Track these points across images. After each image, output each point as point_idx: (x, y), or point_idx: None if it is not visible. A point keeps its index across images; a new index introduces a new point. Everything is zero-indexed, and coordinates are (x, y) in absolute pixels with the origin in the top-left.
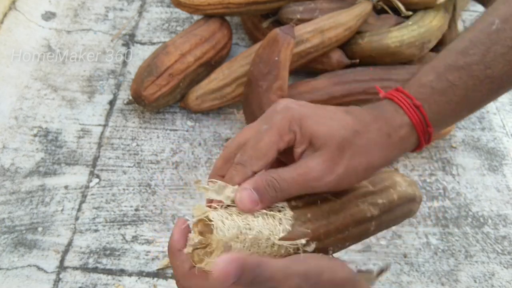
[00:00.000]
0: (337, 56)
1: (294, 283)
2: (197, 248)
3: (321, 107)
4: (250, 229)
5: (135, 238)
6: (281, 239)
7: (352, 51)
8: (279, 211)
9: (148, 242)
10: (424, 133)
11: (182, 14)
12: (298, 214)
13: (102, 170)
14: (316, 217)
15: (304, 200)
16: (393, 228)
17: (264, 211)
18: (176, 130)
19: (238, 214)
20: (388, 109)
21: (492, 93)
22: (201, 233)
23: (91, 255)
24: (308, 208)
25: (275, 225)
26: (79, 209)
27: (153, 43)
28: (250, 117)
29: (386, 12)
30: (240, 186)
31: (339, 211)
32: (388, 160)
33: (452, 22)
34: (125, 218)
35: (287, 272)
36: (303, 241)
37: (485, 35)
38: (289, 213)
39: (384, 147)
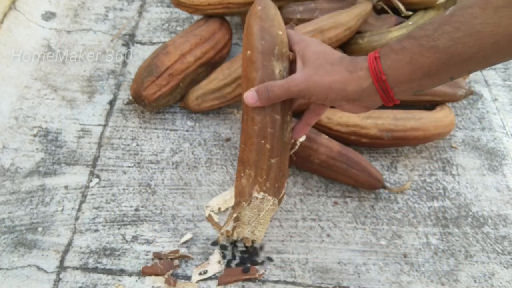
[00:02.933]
0: None
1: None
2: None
3: (323, 46)
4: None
5: (135, 238)
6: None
7: (352, 51)
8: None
9: (148, 242)
10: (378, 80)
11: (182, 14)
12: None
13: (102, 170)
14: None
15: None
16: (393, 228)
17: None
18: (176, 130)
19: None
20: (362, 59)
21: (443, 64)
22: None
23: (91, 255)
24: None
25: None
26: (79, 209)
27: (153, 43)
28: None
29: (386, 12)
30: (248, 90)
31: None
32: (345, 90)
33: None
34: (125, 218)
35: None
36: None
37: (441, 17)
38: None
39: (344, 79)
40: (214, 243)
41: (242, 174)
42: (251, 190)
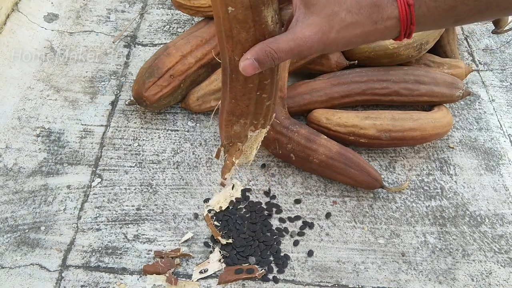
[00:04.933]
0: (336, 57)
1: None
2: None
3: None
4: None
5: (136, 237)
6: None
7: (351, 53)
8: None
9: (150, 241)
10: (406, 29)
11: (183, 16)
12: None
13: (104, 170)
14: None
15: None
16: (392, 227)
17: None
18: (177, 130)
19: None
20: (387, 0)
21: (478, 11)
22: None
23: (93, 254)
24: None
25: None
26: (81, 209)
27: (155, 45)
28: None
29: None
30: (243, 56)
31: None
32: (366, 41)
33: None
34: (126, 217)
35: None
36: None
37: None
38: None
39: (367, 32)
40: (213, 238)
41: (234, 123)
42: (246, 132)
